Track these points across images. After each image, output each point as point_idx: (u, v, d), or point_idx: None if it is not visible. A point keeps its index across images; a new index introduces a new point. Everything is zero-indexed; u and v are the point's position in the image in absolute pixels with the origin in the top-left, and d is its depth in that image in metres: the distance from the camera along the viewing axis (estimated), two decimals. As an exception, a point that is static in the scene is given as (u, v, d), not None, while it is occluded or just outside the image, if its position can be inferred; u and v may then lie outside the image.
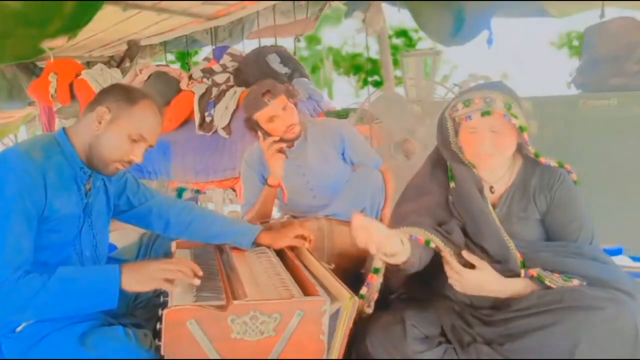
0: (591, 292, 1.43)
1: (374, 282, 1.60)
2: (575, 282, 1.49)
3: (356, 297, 1.37)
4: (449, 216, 1.66)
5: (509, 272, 1.56)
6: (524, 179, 1.64)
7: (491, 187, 1.66)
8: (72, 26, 1.40)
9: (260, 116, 2.22)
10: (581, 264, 1.52)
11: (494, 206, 1.64)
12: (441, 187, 1.70)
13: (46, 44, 1.38)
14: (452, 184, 1.67)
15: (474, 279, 1.54)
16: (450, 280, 1.56)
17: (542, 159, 1.62)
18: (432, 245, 1.58)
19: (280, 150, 2.20)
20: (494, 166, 1.62)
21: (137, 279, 1.38)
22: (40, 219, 1.39)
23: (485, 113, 1.54)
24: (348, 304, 1.35)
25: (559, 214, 1.60)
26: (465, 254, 1.57)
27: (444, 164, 1.70)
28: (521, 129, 1.56)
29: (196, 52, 4.84)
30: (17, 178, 1.34)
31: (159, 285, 1.39)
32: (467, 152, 1.62)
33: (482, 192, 1.62)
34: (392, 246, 1.42)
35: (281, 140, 2.22)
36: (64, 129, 1.54)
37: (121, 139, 1.49)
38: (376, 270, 1.60)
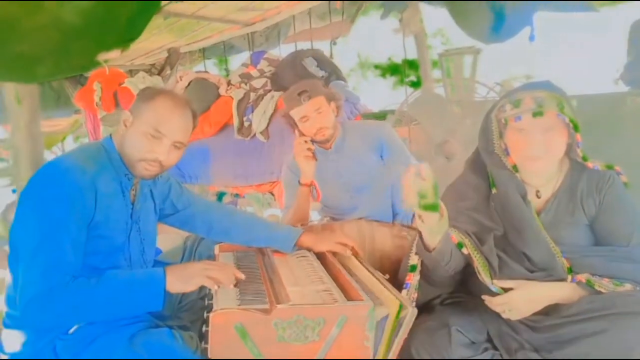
0: None
1: (412, 281, 1.58)
2: (628, 286, 1.44)
3: (414, 307, 1.35)
4: (487, 222, 1.62)
5: (555, 279, 1.52)
6: (571, 182, 1.58)
7: (537, 192, 1.60)
8: (127, 38, 1.44)
9: (294, 114, 2.25)
10: (632, 268, 1.47)
11: (539, 211, 1.59)
12: (479, 193, 1.66)
13: (102, 57, 1.42)
14: (493, 190, 1.62)
15: (522, 301, 1.49)
16: (503, 315, 1.50)
17: (590, 164, 1.56)
18: (465, 250, 1.55)
19: (310, 152, 2.22)
20: (542, 169, 1.56)
21: (181, 279, 1.40)
22: (89, 226, 1.43)
23: (538, 114, 1.48)
24: (396, 311, 1.33)
25: (609, 218, 1.54)
26: (496, 281, 1.52)
27: (484, 169, 1.65)
28: (575, 129, 1.50)
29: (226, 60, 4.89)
30: (67, 187, 1.38)
31: (201, 282, 1.40)
32: (514, 154, 1.57)
33: (525, 198, 1.56)
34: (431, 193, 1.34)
35: (312, 141, 2.24)
36: (110, 136, 1.58)
37: (139, 137, 1.48)
38: (413, 268, 1.59)
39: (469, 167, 1.72)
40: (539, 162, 1.53)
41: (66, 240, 1.36)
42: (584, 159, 1.56)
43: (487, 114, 1.63)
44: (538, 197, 1.60)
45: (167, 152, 1.50)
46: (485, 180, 1.66)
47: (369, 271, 1.57)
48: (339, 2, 3.90)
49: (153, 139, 1.48)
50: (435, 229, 1.45)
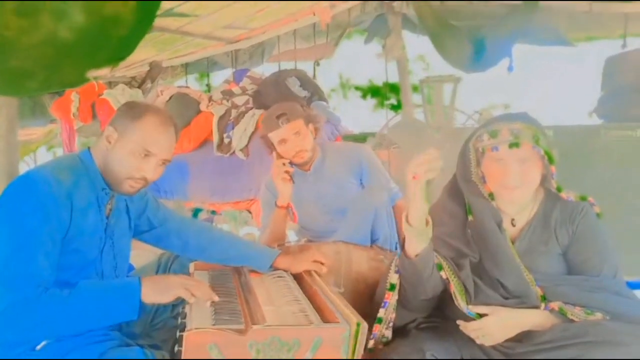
0: (616, 327, 1.41)
1: (391, 300, 1.58)
2: (598, 315, 1.47)
3: (365, 323, 1.35)
4: (463, 248, 1.63)
5: (529, 306, 1.53)
6: (545, 212, 1.61)
7: (512, 220, 1.63)
8: (117, 57, 1.43)
9: (272, 136, 2.25)
10: (604, 298, 1.49)
11: (514, 240, 1.61)
12: (455, 220, 1.67)
13: (92, 74, 1.41)
14: (470, 217, 1.64)
15: (496, 327, 1.50)
16: (477, 340, 1.51)
17: (564, 194, 1.60)
18: (443, 274, 1.56)
19: (287, 175, 2.22)
20: (518, 198, 1.59)
21: (157, 290, 1.38)
22: (63, 240, 1.40)
23: (514, 145, 1.52)
24: (356, 329, 1.33)
25: (581, 248, 1.57)
26: (472, 307, 1.54)
27: (461, 196, 1.67)
28: (550, 161, 1.54)
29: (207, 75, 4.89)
30: (42, 198, 1.35)
31: (178, 293, 1.39)
32: (490, 183, 1.60)
33: (500, 226, 1.59)
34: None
35: (290, 163, 2.24)
36: (88, 148, 1.56)
37: (127, 155, 1.47)
38: (392, 287, 1.59)
39: (446, 193, 1.74)
40: (515, 192, 1.57)
41: (39, 252, 1.33)
42: (558, 189, 1.60)
43: (465, 143, 1.66)
44: (513, 225, 1.63)
45: (155, 170, 1.51)
46: (462, 207, 1.68)
47: (328, 289, 1.57)
48: (324, 24, 3.94)
49: (141, 157, 1.48)
50: (422, 232, 1.47)
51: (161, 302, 1.43)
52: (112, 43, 1.37)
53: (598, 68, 3.14)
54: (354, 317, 1.35)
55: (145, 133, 1.48)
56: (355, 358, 1.35)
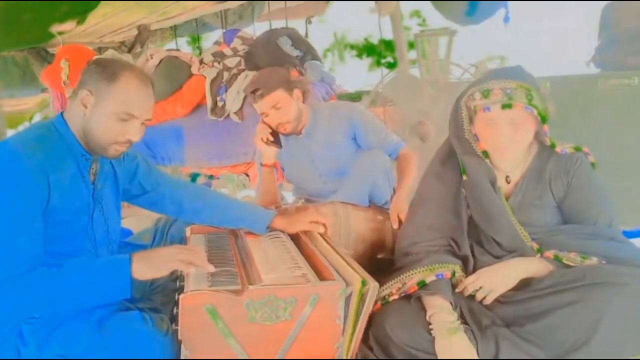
0: (614, 269, 1.43)
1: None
2: (594, 259, 1.48)
3: (375, 282, 1.36)
4: (456, 221, 1.64)
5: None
6: (539, 165, 1.61)
7: (507, 177, 1.63)
8: (79, 10, 1.38)
9: (255, 108, 2.27)
10: (599, 244, 1.51)
11: (508, 196, 1.61)
12: (448, 185, 1.67)
13: (55, 29, 1.35)
14: (464, 177, 1.64)
15: (494, 275, 1.52)
16: (478, 295, 1.53)
17: (559, 149, 1.58)
18: (457, 278, 1.57)
19: (269, 141, 2.24)
20: (509, 157, 1.59)
21: (149, 266, 1.35)
22: (45, 213, 1.35)
23: (506, 106, 1.50)
24: (359, 288, 1.34)
25: (577, 199, 1.57)
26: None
27: (454, 158, 1.66)
28: (542, 120, 1.53)
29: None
30: (14, 174, 1.30)
31: (174, 265, 1.36)
32: (483, 142, 1.59)
33: (494, 184, 1.59)
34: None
35: (274, 131, 2.26)
36: (61, 114, 1.48)
37: (110, 121, 1.41)
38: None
39: (439, 159, 1.73)
40: (507, 151, 1.57)
41: (19, 229, 1.29)
42: (552, 145, 1.58)
43: (457, 101, 1.63)
44: (507, 182, 1.63)
45: (139, 131, 1.46)
46: (456, 170, 1.67)
47: (333, 249, 1.57)
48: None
49: (123, 121, 1.42)
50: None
51: (156, 277, 1.39)
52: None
53: (595, 16, 3.07)
54: (359, 275, 1.36)
55: (125, 96, 1.41)
56: (360, 315, 1.37)
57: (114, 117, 1.42)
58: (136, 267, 1.33)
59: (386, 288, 1.60)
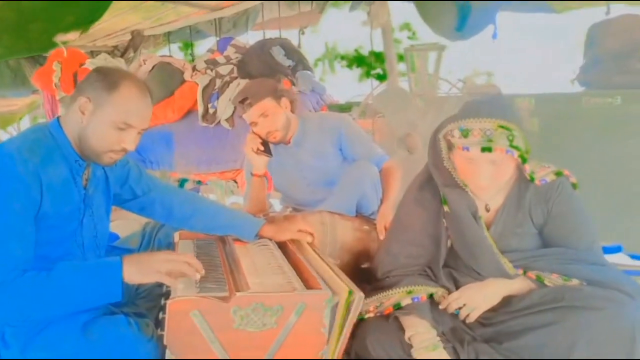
0: (592, 292, 1.44)
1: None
2: (575, 281, 1.49)
3: (361, 293, 1.38)
4: (434, 250, 1.64)
5: None
6: (519, 193, 1.58)
7: (486, 205, 1.61)
8: (85, 21, 1.40)
9: (245, 118, 2.29)
10: (580, 268, 1.51)
11: (489, 225, 1.59)
12: (428, 211, 1.65)
13: (59, 38, 1.37)
14: (445, 208, 1.61)
15: (476, 293, 1.54)
16: (462, 313, 1.55)
17: (537, 180, 1.55)
18: (436, 297, 1.59)
19: (259, 151, 2.26)
20: (490, 193, 1.57)
21: (140, 270, 1.35)
22: (37, 217, 1.36)
23: (486, 149, 1.45)
24: (346, 298, 1.36)
25: (557, 226, 1.56)
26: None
27: (434, 185, 1.64)
28: (523, 161, 1.50)
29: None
30: (8, 179, 1.31)
31: (161, 278, 1.36)
32: (461, 176, 1.57)
33: (476, 216, 1.56)
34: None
35: (264, 141, 2.28)
36: (58, 119, 1.49)
37: (107, 129, 1.42)
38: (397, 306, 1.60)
39: (417, 184, 1.70)
40: (485, 189, 1.55)
41: (10, 234, 1.29)
42: (531, 179, 1.55)
43: (435, 134, 1.60)
44: (487, 210, 1.61)
45: (135, 140, 1.47)
46: (436, 197, 1.64)
47: (320, 258, 1.59)
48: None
49: (120, 130, 1.43)
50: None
51: (144, 283, 1.39)
52: (79, 6, 1.33)
53: (581, 35, 3.14)
54: (346, 285, 1.37)
55: (124, 105, 1.42)
56: (345, 325, 1.39)
57: (111, 126, 1.42)
58: (127, 270, 1.33)
59: (364, 305, 1.58)
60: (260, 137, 2.28)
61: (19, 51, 1.47)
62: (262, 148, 2.27)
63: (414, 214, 1.68)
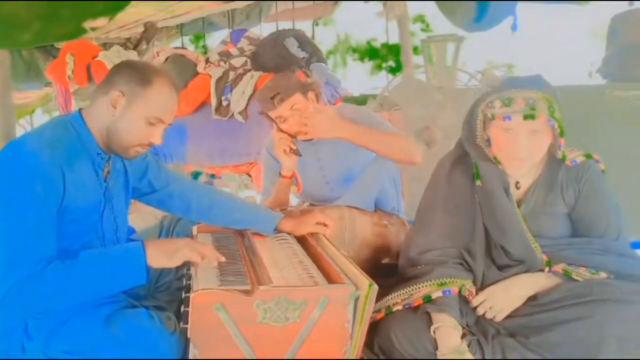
0: (621, 286, 1.43)
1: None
2: (603, 274, 1.48)
3: (375, 285, 1.35)
4: (473, 220, 1.62)
5: (534, 270, 1.54)
6: (551, 172, 1.59)
7: (517, 183, 1.60)
8: (114, 7, 1.39)
9: (271, 115, 2.19)
10: (608, 260, 1.50)
11: (519, 202, 1.59)
12: (459, 190, 1.65)
13: (88, 24, 1.36)
14: (478, 182, 1.61)
15: (502, 295, 1.52)
16: (488, 314, 1.53)
17: (569, 161, 1.56)
18: (465, 291, 1.56)
19: (291, 150, 2.16)
20: (525, 167, 1.56)
21: (164, 253, 1.38)
22: (59, 210, 1.37)
23: (529, 116, 1.46)
24: (367, 291, 1.33)
25: (588, 207, 1.55)
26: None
27: (466, 163, 1.64)
28: (561, 134, 1.50)
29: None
30: (33, 175, 1.32)
31: (187, 255, 1.38)
32: (496, 149, 1.56)
33: (507, 191, 1.56)
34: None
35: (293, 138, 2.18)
36: (79, 111, 1.49)
37: (139, 124, 1.44)
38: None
39: (449, 162, 1.70)
40: (522, 163, 1.54)
41: (35, 227, 1.30)
42: (563, 159, 1.56)
43: (473, 107, 1.60)
44: (517, 188, 1.61)
45: (162, 135, 1.49)
46: (468, 175, 1.64)
47: (339, 252, 1.57)
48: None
49: (151, 125, 1.45)
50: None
51: (169, 266, 1.42)
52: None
53: (603, 27, 3.08)
54: (366, 279, 1.35)
55: (158, 101, 1.45)
56: (365, 318, 1.36)
57: (143, 121, 1.44)
58: (150, 253, 1.36)
59: (391, 298, 1.58)
60: (290, 136, 2.22)
61: (47, 38, 1.46)
62: (294, 147, 2.16)
63: (446, 192, 1.66)
